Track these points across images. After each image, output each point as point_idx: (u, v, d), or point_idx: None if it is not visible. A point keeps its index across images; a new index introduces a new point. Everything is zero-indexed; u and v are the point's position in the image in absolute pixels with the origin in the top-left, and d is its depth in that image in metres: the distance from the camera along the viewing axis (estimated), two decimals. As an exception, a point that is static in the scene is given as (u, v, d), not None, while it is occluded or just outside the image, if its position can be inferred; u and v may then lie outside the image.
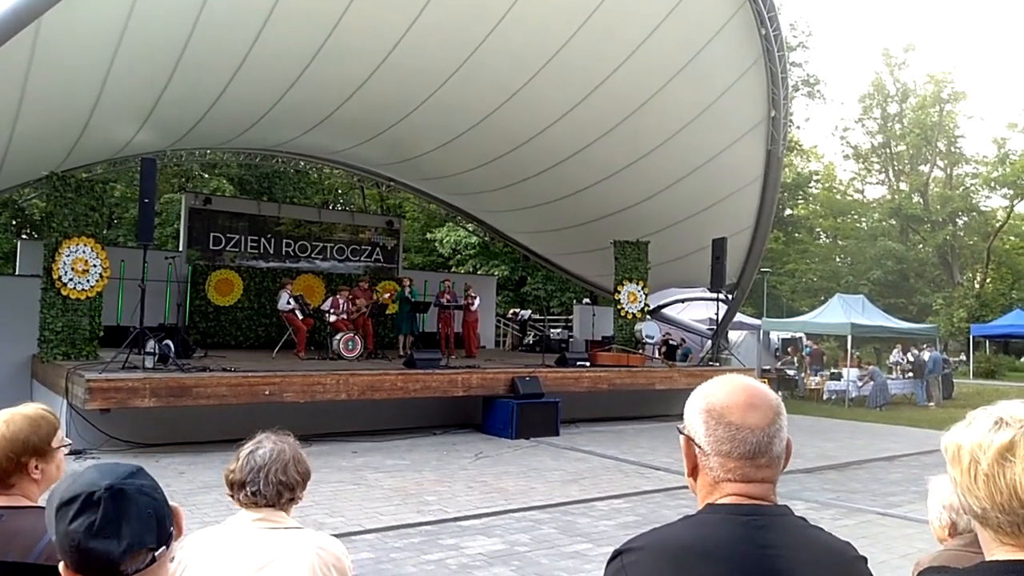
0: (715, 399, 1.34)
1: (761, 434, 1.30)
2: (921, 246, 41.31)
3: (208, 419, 9.92)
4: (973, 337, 31.48)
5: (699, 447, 1.34)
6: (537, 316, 23.17)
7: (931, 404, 19.71)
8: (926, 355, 21.04)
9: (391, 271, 19.12)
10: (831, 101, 67.22)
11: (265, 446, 2.04)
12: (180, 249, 16.87)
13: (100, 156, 14.90)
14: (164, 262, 14.48)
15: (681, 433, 1.38)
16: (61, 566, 1.26)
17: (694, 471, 1.37)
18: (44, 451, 1.88)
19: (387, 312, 15.72)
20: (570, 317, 23.85)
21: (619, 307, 16.94)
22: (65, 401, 9.48)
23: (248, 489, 1.98)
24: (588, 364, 14.03)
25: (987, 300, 37.14)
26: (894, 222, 41.55)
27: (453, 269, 27.43)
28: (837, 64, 66.39)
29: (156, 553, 1.27)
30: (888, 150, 43.59)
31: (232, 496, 2.05)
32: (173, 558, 1.40)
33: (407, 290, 15.49)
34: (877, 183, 45.60)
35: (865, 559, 1.33)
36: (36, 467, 1.86)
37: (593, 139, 14.84)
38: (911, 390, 20.52)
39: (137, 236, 11.16)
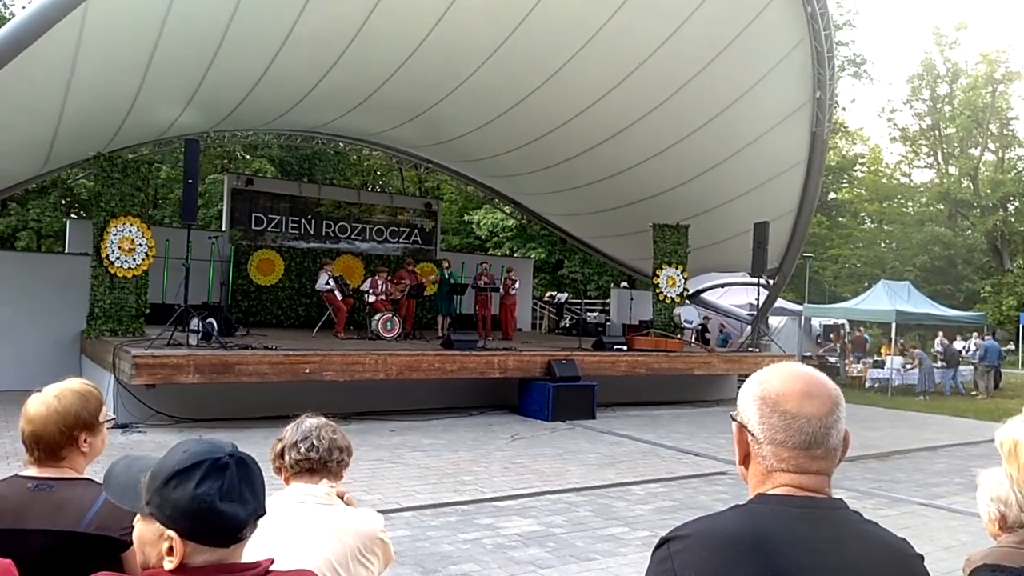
0: (771, 386, 1.29)
1: (818, 424, 1.26)
2: (970, 232, 40.17)
3: (250, 396, 10.11)
4: (1023, 326, 30.63)
5: (752, 435, 1.30)
6: (574, 299, 23.13)
7: (976, 394, 19.25)
8: (972, 343, 20.50)
9: (429, 253, 19.21)
10: (878, 81, 65.74)
11: (309, 419, 2.15)
12: (223, 229, 17.14)
13: (145, 137, 15.17)
14: (207, 242, 14.72)
15: (734, 420, 1.34)
16: (163, 533, 1.24)
17: (746, 459, 1.33)
18: (93, 425, 1.93)
19: (426, 294, 15.81)
20: (607, 301, 23.75)
21: (657, 291, 16.81)
22: (112, 376, 9.73)
23: (301, 446, 2.06)
24: (625, 348, 13.96)
25: (1038, 288, 36.07)
26: (942, 207, 40.45)
27: (490, 251, 27.47)
28: (885, 43, 64.63)
29: (258, 520, 1.30)
30: (937, 132, 42.36)
31: (279, 466, 2.09)
32: None
33: (446, 272, 15.56)
34: (925, 166, 44.40)
35: (922, 557, 1.28)
36: (85, 440, 1.91)
37: (633, 120, 14.67)
38: (939, 380, 19.83)
39: (181, 216, 11.35)
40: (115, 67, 10.72)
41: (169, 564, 1.24)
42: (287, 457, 2.08)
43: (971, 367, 20.56)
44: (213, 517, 1.23)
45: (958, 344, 22.27)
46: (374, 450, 8.82)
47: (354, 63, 12.56)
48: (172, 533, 1.23)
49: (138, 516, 1.32)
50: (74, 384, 1.96)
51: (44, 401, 1.89)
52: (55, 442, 1.87)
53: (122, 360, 9.49)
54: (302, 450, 2.05)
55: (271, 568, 1.33)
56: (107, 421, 1.99)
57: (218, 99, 13.63)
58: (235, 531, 1.25)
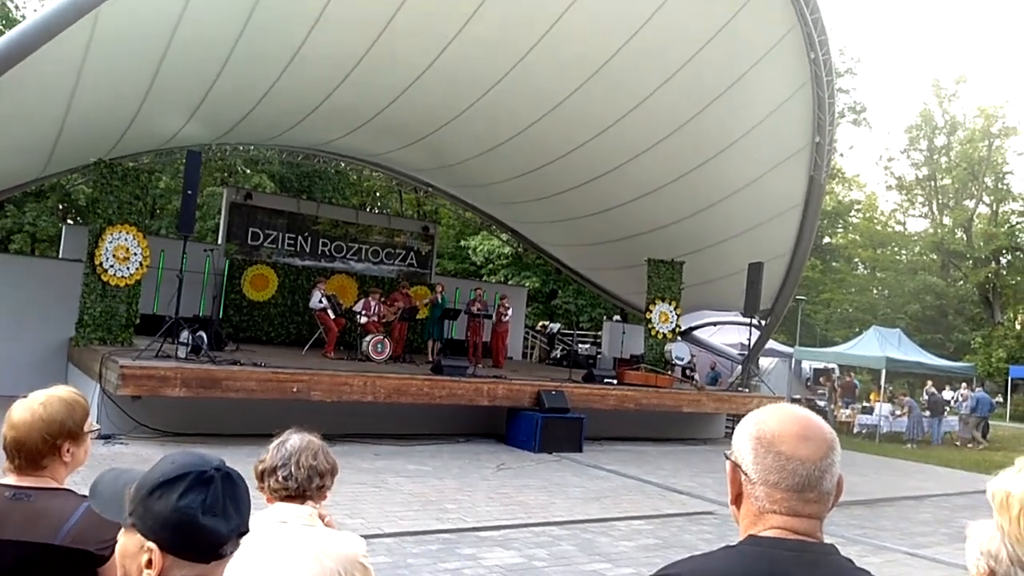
0: (766, 426, 1.29)
1: (812, 467, 1.25)
2: (962, 282, 40.41)
3: (236, 412, 10.02)
4: (1012, 379, 30.70)
5: (745, 475, 1.29)
6: (566, 330, 23.09)
7: (971, 445, 19.20)
8: (960, 394, 20.51)
9: (424, 276, 19.20)
10: (877, 129, 66.44)
11: (294, 437, 2.10)
12: (219, 242, 17.12)
13: (147, 146, 15.20)
14: (202, 254, 14.69)
15: (728, 459, 1.34)
16: (143, 545, 1.21)
17: (738, 499, 1.32)
18: (77, 435, 1.89)
19: (418, 317, 15.78)
20: (599, 333, 23.71)
21: (650, 326, 16.82)
22: (98, 386, 9.64)
23: (280, 474, 2.02)
24: (615, 382, 13.93)
25: (1029, 342, 36.19)
26: (935, 256, 40.73)
27: (485, 278, 27.47)
28: (885, 92, 65.51)
29: (240, 539, 1.26)
30: (933, 183, 42.77)
31: (261, 487, 2.06)
32: None
33: (439, 297, 15.54)
34: (920, 216, 44.76)
35: None
36: (68, 450, 1.87)
37: (634, 155, 14.78)
38: (928, 429, 19.79)
39: (178, 227, 11.34)
40: (122, 75, 10.77)
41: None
42: (267, 481, 2.05)
43: (956, 417, 20.56)
44: (194, 531, 1.20)
45: (947, 394, 22.30)
46: (357, 474, 8.73)
47: (359, 85, 12.65)
48: (152, 545, 1.20)
49: (122, 528, 1.29)
50: (61, 392, 1.92)
51: (29, 408, 1.86)
52: (37, 450, 1.83)
53: (109, 370, 9.41)
54: (280, 478, 2.01)
55: None
56: (91, 431, 1.96)
57: (222, 113, 13.70)
58: (215, 546, 1.21)
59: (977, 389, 20.92)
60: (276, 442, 2.09)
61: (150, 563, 1.20)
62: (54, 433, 1.85)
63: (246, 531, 1.27)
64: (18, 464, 1.84)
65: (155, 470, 1.26)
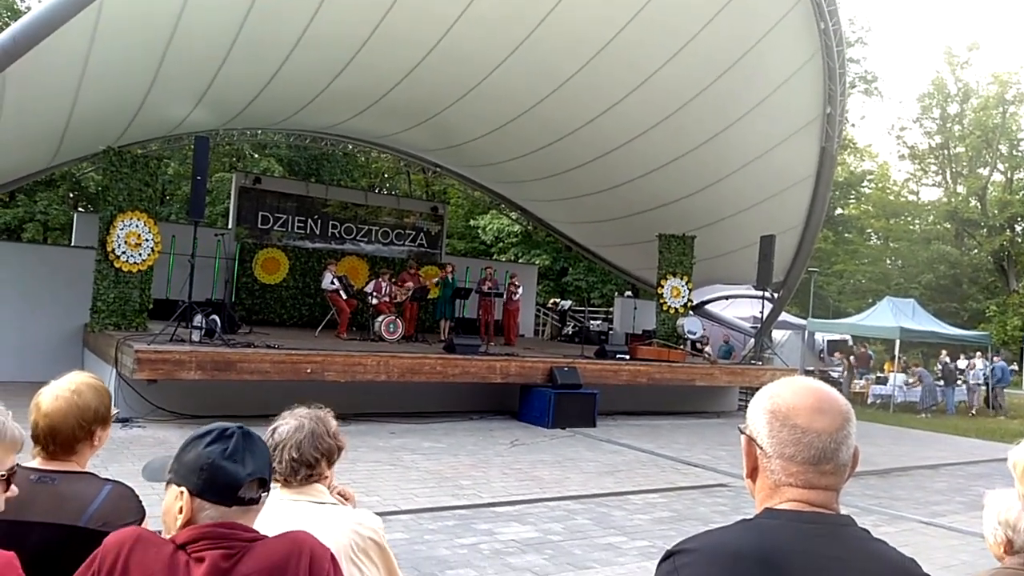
0: (781, 400, 1.28)
1: (828, 439, 1.25)
2: (976, 251, 40.06)
3: (251, 394, 10.10)
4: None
5: (761, 448, 1.29)
6: (578, 307, 23.10)
7: (972, 412, 19.14)
8: (976, 362, 20.42)
9: (434, 256, 19.22)
10: (888, 99, 65.60)
11: (288, 423, 2.03)
12: (229, 227, 17.17)
13: (155, 133, 15.22)
14: (213, 239, 14.74)
15: (742, 433, 1.33)
16: (178, 494, 1.42)
17: (754, 473, 1.32)
18: (106, 419, 1.94)
19: (429, 297, 15.83)
20: (611, 309, 23.73)
21: (662, 301, 16.79)
22: (114, 370, 9.75)
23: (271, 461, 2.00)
24: (628, 357, 13.94)
25: (1044, 309, 35.92)
26: (949, 226, 40.36)
27: (495, 257, 27.47)
28: (896, 61, 64.60)
29: (262, 493, 1.48)
30: (946, 151, 42.26)
31: None
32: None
33: (449, 276, 15.57)
34: (933, 185, 44.28)
35: None
36: (98, 435, 1.91)
37: (642, 130, 14.67)
38: (941, 398, 19.82)
39: (188, 212, 11.39)
40: (128, 63, 10.76)
41: (179, 521, 1.41)
42: None
43: (965, 385, 20.50)
44: (215, 471, 1.41)
45: (961, 363, 22.20)
46: (373, 452, 8.82)
47: (365, 66, 12.59)
48: (183, 490, 1.42)
49: (165, 488, 1.48)
50: (86, 378, 1.95)
51: (61, 395, 1.88)
52: (73, 436, 1.87)
53: (124, 354, 9.50)
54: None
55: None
56: (113, 415, 2.00)
57: (229, 98, 13.68)
58: (234, 487, 1.41)
59: (996, 359, 20.79)
60: (272, 426, 2.03)
61: (182, 509, 1.42)
62: (88, 419, 1.88)
63: (265, 479, 1.47)
64: (52, 450, 1.87)
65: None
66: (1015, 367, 31.18)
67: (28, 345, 12.71)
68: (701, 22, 12.22)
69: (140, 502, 1.89)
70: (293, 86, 13.35)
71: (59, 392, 1.88)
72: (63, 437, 1.86)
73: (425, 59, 12.56)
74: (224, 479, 1.41)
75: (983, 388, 19.86)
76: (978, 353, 21.51)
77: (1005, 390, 20.72)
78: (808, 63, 13.60)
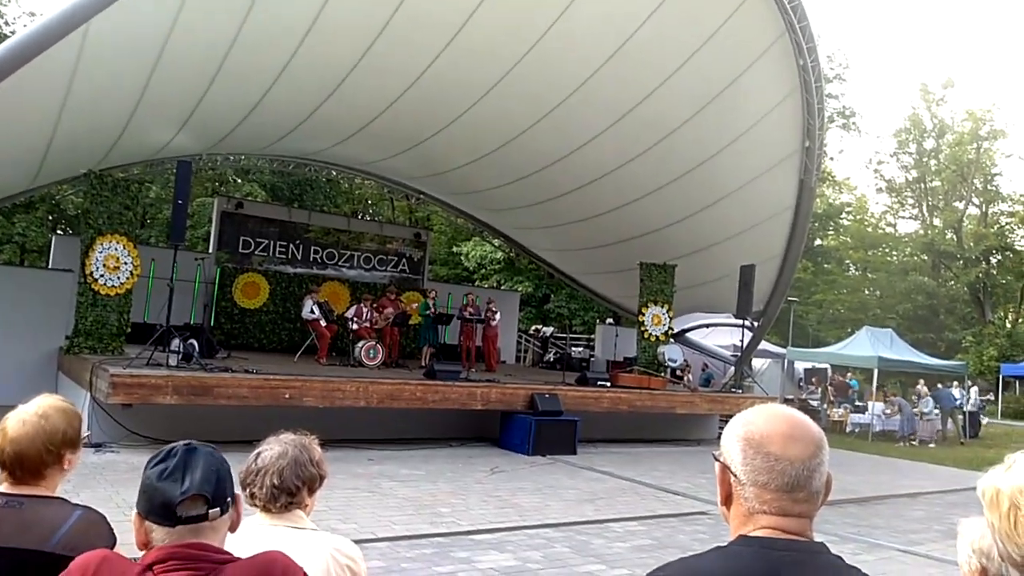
0: (755, 427, 1.29)
1: (801, 467, 1.25)
2: (953, 283, 40.64)
3: (228, 419, 9.98)
4: (1003, 376, 30.87)
5: (735, 476, 1.29)
6: (559, 334, 23.11)
7: (932, 445, 19.03)
8: (920, 390, 20.58)
9: (416, 282, 19.19)
10: (866, 134, 66.64)
11: (272, 449, 2.02)
12: (210, 251, 17.08)
13: (138, 157, 15.15)
14: (193, 263, 14.65)
15: (717, 460, 1.34)
16: (135, 516, 1.44)
17: (728, 500, 1.32)
18: (75, 442, 1.91)
19: (410, 323, 15.78)
20: (592, 336, 23.74)
21: (643, 329, 16.85)
22: (88, 394, 9.61)
23: (248, 491, 1.98)
24: (609, 384, 13.95)
25: (1019, 340, 36.37)
26: (926, 257, 40.95)
27: (478, 283, 27.48)
28: (873, 97, 65.85)
29: (210, 510, 1.43)
30: (922, 185, 43.01)
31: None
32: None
33: (430, 301, 15.55)
34: (910, 217, 45.00)
35: None
36: (68, 459, 1.88)
37: (624, 161, 14.82)
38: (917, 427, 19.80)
39: (169, 236, 11.34)
40: (112, 87, 10.75)
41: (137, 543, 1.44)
42: (245, 491, 2.01)
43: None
44: (152, 492, 1.42)
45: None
46: (351, 479, 8.72)
47: (350, 94, 12.65)
48: (136, 512, 1.44)
49: None
50: (54, 401, 1.93)
51: (27, 420, 1.85)
52: (41, 461, 1.83)
53: (99, 378, 9.38)
54: (248, 495, 1.96)
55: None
56: (84, 438, 1.97)
57: (213, 123, 13.67)
58: (168, 506, 1.40)
59: (938, 385, 20.96)
60: (255, 452, 2.02)
61: (137, 532, 1.45)
62: (57, 443, 1.85)
63: (203, 494, 1.42)
64: (19, 476, 1.84)
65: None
66: (990, 396, 31.54)
67: (1, 368, 12.49)
68: (683, 57, 12.43)
69: (111, 528, 1.87)
70: (277, 113, 13.37)
71: (25, 417, 1.85)
72: (30, 462, 1.82)
73: (410, 88, 12.65)
74: (159, 499, 1.40)
75: (936, 414, 19.95)
76: (920, 381, 21.66)
77: (982, 419, 20.87)
78: (787, 98, 13.85)
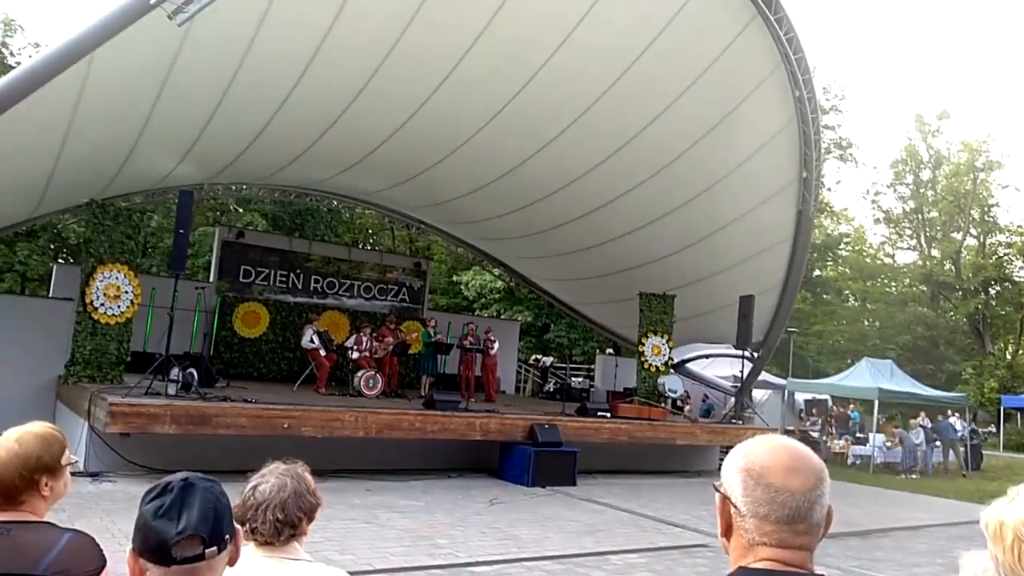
0: (755, 458, 1.29)
1: (801, 499, 1.25)
2: (952, 314, 40.66)
3: (226, 448, 9.91)
4: (1004, 408, 30.76)
5: (735, 507, 1.28)
6: (559, 363, 23.06)
7: (915, 476, 18.88)
8: (914, 422, 20.49)
9: (416, 311, 19.20)
10: (863, 165, 67.13)
11: (268, 481, 2.00)
12: (210, 280, 17.11)
13: (140, 186, 15.25)
14: (194, 292, 14.67)
15: (717, 491, 1.33)
16: (130, 551, 1.39)
17: (728, 531, 1.32)
18: (54, 469, 1.90)
19: (410, 352, 15.75)
20: (592, 366, 23.70)
21: (643, 359, 16.82)
22: (87, 423, 9.57)
23: (248, 526, 1.96)
24: (609, 415, 13.88)
25: (1019, 371, 36.32)
26: (925, 288, 41.01)
27: (477, 313, 27.48)
28: (870, 128, 66.42)
29: (206, 549, 1.38)
30: (920, 216, 43.24)
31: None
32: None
33: (430, 330, 15.54)
34: (908, 248, 45.18)
35: None
36: (46, 484, 1.88)
37: (623, 191, 14.93)
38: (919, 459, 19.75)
39: (170, 265, 11.38)
40: (115, 118, 10.86)
41: None
42: (244, 527, 1.99)
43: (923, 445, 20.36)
44: (147, 531, 1.37)
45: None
46: (349, 509, 8.66)
47: (352, 125, 12.78)
48: (131, 548, 1.39)
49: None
50: (35, 427, 1.94)
51: (3, 446, 1.87)
52: (14, 486, 1.84)
53: (97, 407, 9.35)
54: (248, 529, 1.93)
55: None
56: (69, 464, 1.97)
57: (215, 154, 13.79)
58: (164, 546, 1.34)
59: (939, 418, 20.88)
60: (251, 485, 2.00)
61: (131, 569, 1.40)
62: (30, 468, 1.86)
63: (201, 534, 1.37)
64: None
65: None
66: (991, 428, 31.38)
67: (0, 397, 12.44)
68: (681, 88, 12.58)
69: (101, 550, 1.87)
70: (279, 144, 13.49)
71: (2, 443, 1.87)
72: (4, 487, 1.83)
73: (411, 119, 12.78)
74: (154, 539, 1.35)
75: (927, 448, 19.84)
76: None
77: (984, 451, 20.73)
78: (784, 129, 13.99)
